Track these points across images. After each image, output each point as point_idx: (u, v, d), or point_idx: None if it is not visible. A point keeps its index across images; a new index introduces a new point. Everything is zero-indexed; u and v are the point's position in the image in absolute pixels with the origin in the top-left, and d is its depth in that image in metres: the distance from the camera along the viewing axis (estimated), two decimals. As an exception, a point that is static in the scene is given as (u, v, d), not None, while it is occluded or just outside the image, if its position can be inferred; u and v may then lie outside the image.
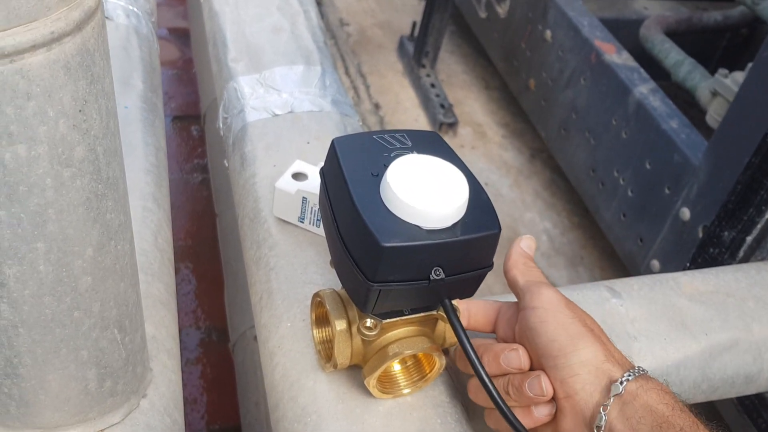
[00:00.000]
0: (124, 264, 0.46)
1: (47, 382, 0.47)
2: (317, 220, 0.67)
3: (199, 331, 1.36)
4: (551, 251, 1.44)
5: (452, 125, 1.67)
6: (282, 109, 0.80)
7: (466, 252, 0.48)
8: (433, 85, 1.73)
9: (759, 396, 0.79)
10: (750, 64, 1.05)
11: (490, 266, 0.50)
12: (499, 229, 0.49)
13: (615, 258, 1.39)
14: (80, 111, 0.36)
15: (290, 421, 0.57)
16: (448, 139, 1.68)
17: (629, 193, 1.21)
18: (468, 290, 0.51)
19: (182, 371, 1.33)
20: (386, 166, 0.49)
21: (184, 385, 1.26)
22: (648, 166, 1.16)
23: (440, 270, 0.47)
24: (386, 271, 0.46)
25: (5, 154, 0.34)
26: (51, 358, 0.45)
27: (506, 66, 1.64)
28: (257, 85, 0.84)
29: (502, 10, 1.43)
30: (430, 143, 0.53)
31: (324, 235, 0.68)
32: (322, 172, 0.54)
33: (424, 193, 0.47)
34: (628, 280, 0.72)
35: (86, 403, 0.50)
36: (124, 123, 0.77)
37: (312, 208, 0.67)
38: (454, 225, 0.47)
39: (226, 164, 0.84)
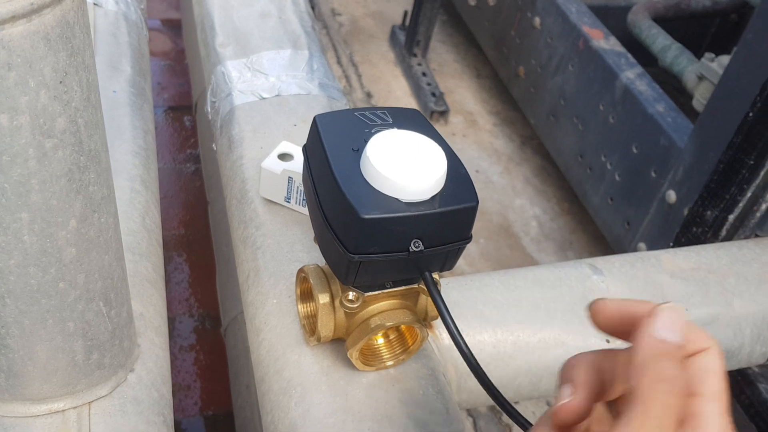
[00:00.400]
0: (108, 237, 0.47)
1: (35, 352, 0.48)
2: (303, 199, 0.68)
3: (192, 318, 1.37)
4: (541, 236, 1.45)
5: (443, 113, 1.67)
6: (269, 93, 0.81)
7: (445, 224, 0.49)
8: (424, 74, 1.74)
9: (741, 372, 0.80)
10: (736, 48, 1.06)
11: (469, 239, 0.51)
12: (477, 201, 0.50)
13: (604, 243, 1.41)
14: (61, 82, 0.37)
15: (276, 393, 0.58)
16: (439, 127, 1.69)
17: (616, 178, 1.22)
18: (448, 263, 0.52)
19: (176, 358, 1.34)
20: (366, 141, 0.50)
21: (178, 372, 1.28)
22: (635, 150, 1.17)
23: (419, 242, 0.48)
24: (366, 243, 0.47)
25: (-12, 124, 0.35)
26: (38, 328, 0.46)
27: (496, 54, 1.64)
28: (245, 69, 0.84)
29: (491, -2, 1.44)
30: (411, 120, 0.54)
31: (305, 214, 0.69)
32: (305, 149, 0.55)
33: (402, 167, 0.47)
34: (610, 258, 0.73)
35: (74, 374, 0.51)
36: (113, 107, 0.78)
37: (297, 187, 0.68)
38: (433, 198, 0.48)
39: (214, 147, 0.85)
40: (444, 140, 0.53)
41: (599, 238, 1.43)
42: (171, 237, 1.47)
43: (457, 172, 0.50)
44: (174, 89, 1.90)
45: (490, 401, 0.69)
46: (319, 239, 0.53)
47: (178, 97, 1.86)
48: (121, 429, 0.54)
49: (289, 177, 0.67)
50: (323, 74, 0.87)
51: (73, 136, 0.39)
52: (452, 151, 0.52)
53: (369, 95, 1.75)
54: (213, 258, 1.33)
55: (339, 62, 1.80)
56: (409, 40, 1.78)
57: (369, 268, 0.49)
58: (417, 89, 1.73)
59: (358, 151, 0.50)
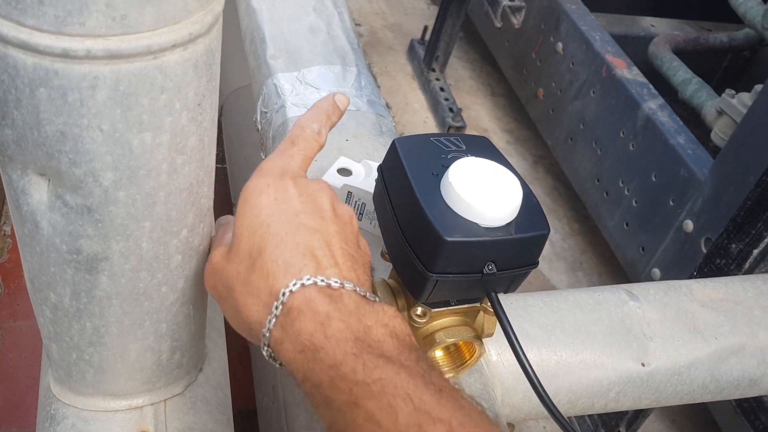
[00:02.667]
0: (206, 245, 0.50)
1: (128, 351, 0.50)
2: (359, 213, 0.71)
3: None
4: (552, 255, 1.49)
5: (460, 129, 1.71)
6: (321, 107, 0.84)
7: (518, 250, 0.52)
8: (442, 89, 1.78)
9: (757, 399, 0.84)
10: (758, 86, 1.11)
11: (536, 264, 0.54)
12: (548, 230, 0.53)
13: (614, 264, 1.45)
14: (199, 105, 0.40)
15: (336, 400, 0.61)
16: (455, 142, 1.72)
17: (633, 204, 1.26)
18: (513, 285, 0.55)
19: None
20: (444, 167, 0.53)
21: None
22: (653, 179, 1.21)
23: (493, 265, 0.52)
24: (445, 264, 0.51)
25: (134, 140, 0.38)
26: (135, 329, 0.49)
27: (515, 74, 1.68)
28: (296, 82, 0.87)
29: (516, 21, 1.48)
30: (482, 147, 0.58)
31: (364, 228, 0.72)
32: (380, 169, 0.58)
33: (483, 193, 0.51)
34: (645, 285, 0.77)
35: (157, 373, 0.54)
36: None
37: (356, 202, 0.71)
38: (509, 224, 0.51)
39: (263, 156, 0.87)
40: (514, 168, 0.56)
41: (609, 259, 1.47)
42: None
43: (529, 200, 0.54)
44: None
45: (529, 417, 0.73)
46: (395, 256, 0.56)
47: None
48: (193, 426, 0.56)
49: (348, 192, 0.70)
50: (371, 91, 0.90)
51: (198, 153, 0.42)
52: (524, 181, 0.55)
53: (387, 107, 1.78)
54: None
55: (358, 72, 1.82)
56: (428, 55, 1.82)
57: (443, 287, 0.53)
58: (435, 104, 1.77)
59: (437, 175, 0.53)
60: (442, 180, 0.52)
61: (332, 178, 0.71)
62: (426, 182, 0.53)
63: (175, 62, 0.37)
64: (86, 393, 0.54)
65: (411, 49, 1.94)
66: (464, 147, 0.57)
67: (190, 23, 0.36)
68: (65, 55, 0.34)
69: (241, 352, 1.22)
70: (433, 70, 1.82)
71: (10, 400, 1.24)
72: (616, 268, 1.43)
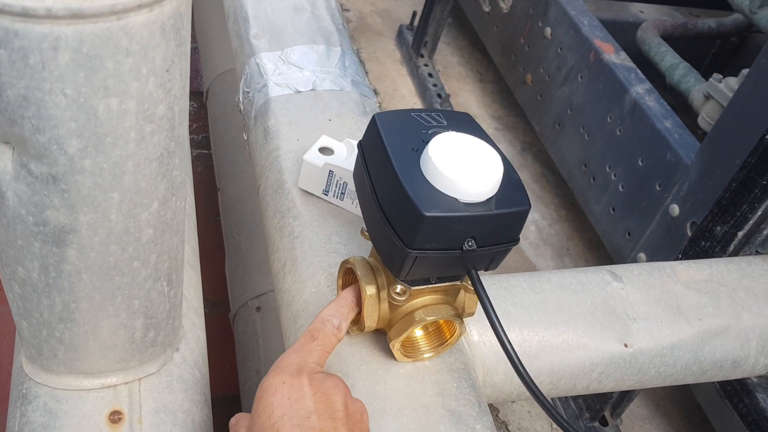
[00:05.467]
0: (180, 220, 0.49)
1: (99, 328, 0.49)
2: (341, 193, 0.70)
3: (193, 302, 1.38)
4: (539, 241, 1.49)
5: (448, 115, 1.70)
6: (304, 86, 0.83)
7: (498, 226, 0.51)
8: (430, 75, 1.77)
9: (741, 381, 0.84)
10: (745, 71, 1.10)
11: (516, 241, 0.54)
12: (530, 206, 0.52)
13: (600, 250, 1.45)
14: (167, 71, 0.39)
15: (315, 379, 0.60)
16: (443, 128, 1.71)
17: (620, 189, 1.25)
18: (494, 263, 0.55)
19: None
20: (425, 142, 0.52)
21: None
22: (640, 163, 1.21)
23: (473, 241, 0.51)
24: (424, 239, 0.50)
25: (99, 106, 0.37)
26: (107, 304, 0.48)
27: (504, 60, 1.67)
28: (279, 61, 0.86)
29: (504, 5, 1.47)
30: (464, 123, 0.57)
31: (346, 207, 0.71)
32: (360, 145, 0.57)
33: (463, 168, 0.50)
34: (628, 266, 0.76)
35: (130, 351, 0.53)
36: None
37: (337, 181, 0.70)
38: (489, 200, 0.51)
39: (245, 137, 0.86)
40: (495, 144, 0.55)
41: (596, 245, 1.47)
42: (175, 221, 1.48)
43: (510, 176, 0.53)
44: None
45: (511, 398, 0.72)
46: (374, 233, 0.55)
47: (183, 82, 1.85)
48: (169, 406, 0.56)
49: (330, 170, 0.69)
50: (355, 71, 0.89)
51: (168, 122, 0.41)
52: (504, 156, 0.54)
53: (375, 92, 1.77)
54: (217, 244, 1.34)
55: (346, 58, 1.81)
56: (416, 40, 1.80)
57: (422, 264, 0.52)
58: (423, 89, 1.76)
59: (417, 150, 0.52)
60: (422, 155, 0.51)
61: (313, 156, 0.70)
62: (406, 157, 0.52)
63: (140, 24, 0.35)
64: (58, 371, 0.53)
65: (400, 35, 1.92)
66: (445, 122, 0.56)
67: (156, -17, 0.35)
68: (25, 14, 0.33)
69: (225, 336, 1.21)
70: (422, 56, 1.81)
71: (-9, 385, 1.22)
72: (602, 253, 1.42)
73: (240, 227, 1.17)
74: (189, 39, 0.41)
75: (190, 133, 1.79)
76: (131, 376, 0.54)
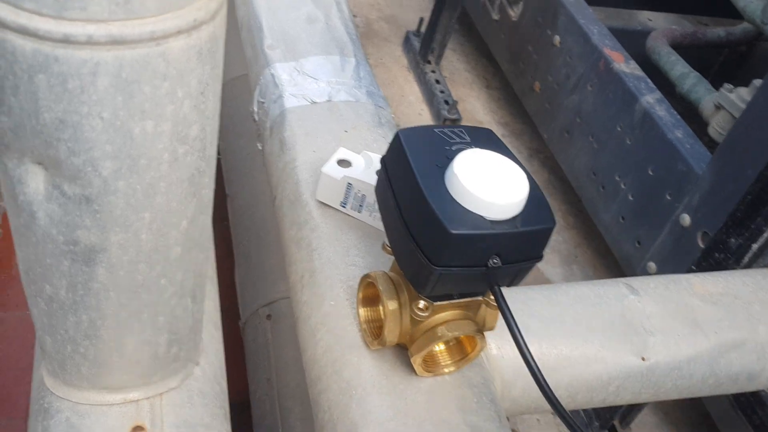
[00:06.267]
0: (206, 237, 0.49)
1: (124, 344, 0.49)
2: (359, 205, 0.70)
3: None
4: (547, 249, 1.49)
5: (455, 121, 1.70)
6: (320, 97, 0.83)
7: (523, 243, 0.51)
8: (438, 81, 1.77)
9: (754, 393, 0.84)
10: (756, 81, 1.10)
11: (540, 257, 0.54)
12: (554, 223, 0.52)
13: (608, 258, 1.45)
14: (202, 93, 0.39)
15: (335, 392, 0.60)
16: (450, 134, 1.71)
17: (629, 198, 1.25)
18: (517, 279, 0.55)
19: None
20: (449, 159, 0.52)
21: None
22: (650, 173, 1.21)
23: (498, 258, 0.51)
24: (450, 257, 0.50)
25: (135, 129, 0.37)
26: (133, 321, 0.48)
27: (511, 67, 1.68)
28: (294, 72, 0.86)
29: (513, 13, 1.47)
30: (487, 139, 0.57)
31: (364, 220, 0.71)
32: (384, 161, 0.57)
33: (489, 186, 0.50)
34: (645, 279, 0.77)
35: (153, 366, 0.53)
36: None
37: (355, 194, 0.70)
38: (515, 217, 0.51)
39: (260, 146, 0.86)
40: (519, 161, 0.55)
41: (604, 253, 1.47)
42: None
43: (534, 193, 0.53)
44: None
45: (528, 411, 0.72)
46: (398, 249, 0.55)
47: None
48: (190, 420, 0.56)
49: (348, 183, 0.69)
50: (369, 82, 0.89)
51: (200, 143, 0.41)
52: (529, 173, 0.54)
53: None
54: (226, 252, 1.34)
55: (353, 64, 1.81)
56: (424, 47, 1.80)
57: (446, 280, 0.52)
58: (430, 96, 1.76)
59: (442, 167, 0.52)
60: (447, 172, 0.52)
61: (332, 169, 0.70)
62: (430, 174, 0.52)
63: (178, 49, 0.36)
64: (81, 386, 0.53)
65: (406, 41, 1.92)
66: (469, 139, 0.56)
67: (195, 9, 0.35)
68: (66, 41, 0.33)
69: (235, 343, 1.21)
70: (429, 62, 1.81)
71: None
72: (611, 261, 1.43)
73: (250, 235, 1.17)
74: (222, 61, 0.41)
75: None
76: (153, 391, 0.54)
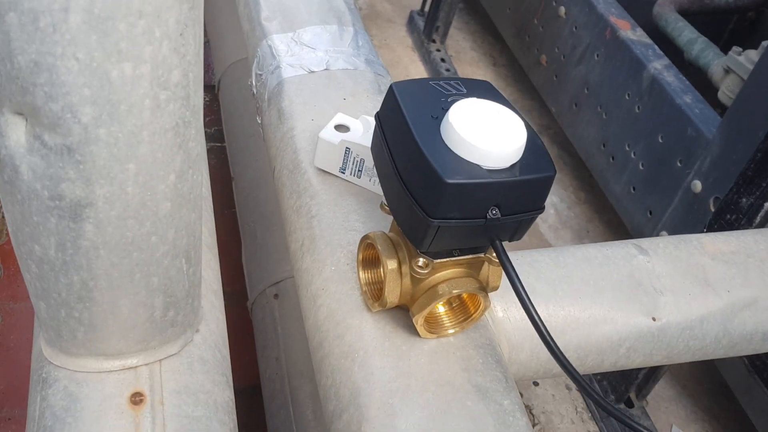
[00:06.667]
0: (197, 194, 0.48)
1: (118, 307, 0.48)
2: (358, 171, 0.69)
3: (210, 294, 1.38)
4: (558, 224, 1.47)
5: (461, 99, 1.69)
6: (318, 66, 0.82)
7: (523, 193, 0.50)
8: (443, 60, 1.75)
9: (771, 355, 0.82)
10: (765, 42, 1.08)
11: (542, 209, 0.52)
12: (555, 171, 0.51)
13: (620, 231, 1.43)
14: (181, 35, 0.38)
15: (337, 357, 0.59)
16: (457, 113, 1.69)
17: (640, 167, 1.23)
18: (518, 233, 0.53)
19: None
20: (445, 110, 0.51)
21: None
22: (660, 140, 1.18)
23: (497, 209, 0.49)
24: (446, 208, 0.48)
25: (112, 71, 0.36)
26: (125, 282, 0.47)
27: (517, 42, 1.65)
28: (292, 42, 0.85)
29: (516, -15, 1.45)
30: (484, 90, 0.55)
31: (364, 185, 0.70)
32: (378, 116, 0.56)
33: (485, 134, 0.49)
34: (654, 240, 0.75)
35: (150, 331, 0.52)
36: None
37: (354, 158, 0.68)
38: (513, 166, 0.49)
39: (259, 120, 0.85)
40: (518, 110, 0.54)
41: (616, 227, 1.45)
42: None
43: (533, 142, 0.51)
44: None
45: (537, 375, 0.71)
46: (394, 205, 0.54)
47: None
48: (190, 387, 0.55)
49: (347, 148, 0.68)
50: (368, 51, 0.88)
51: (183, 90, 0.40)
52: (528, 123, 0.53)
53: (387, 79, 1.76)
54: (233, 236, 1.33)
55: (357, 45, 1.80)
56: (428, 26, 1.79)
57: (445, 234, 0.50)
58: (435, 75, 1.74)
59: (437, 118, 0.51)
60: (443, 122, 0.50)
61: (330, 133, 0.69)
62: (425, 125, 0.50)
63: (152, -17, 0.34)
64: (78, 353, 0.52)
65: (410, 21, 1.91)
66: (465, 90, 0.55)
67: (168, -60, 0.34)
68: (34, -26, 0.32)
69: (244, 327, 1.20)
70: (434, 42, 1.79)
71: (12, 382, 1.23)
72: (623, 234, 1.40)
73: (255, 215, 1.16)
74: (202, 4, 0.40)
75: (204, 126, 1.79)
76: (152, 357, 0.54)
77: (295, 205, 0.71)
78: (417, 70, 1.80)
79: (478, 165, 0.48)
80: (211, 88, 1.70)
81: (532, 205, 0.51)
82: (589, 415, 1.16)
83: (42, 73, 0.35)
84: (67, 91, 0.36)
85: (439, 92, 0.54)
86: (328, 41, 0.86)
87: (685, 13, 1.40)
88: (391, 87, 0.54)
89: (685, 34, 1.30)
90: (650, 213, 1.20)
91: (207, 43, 1.85)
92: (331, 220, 0.67)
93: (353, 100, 0.79)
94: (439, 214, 0.49)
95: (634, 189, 1.24)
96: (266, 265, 1.10)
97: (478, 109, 0.50)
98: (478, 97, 0.53)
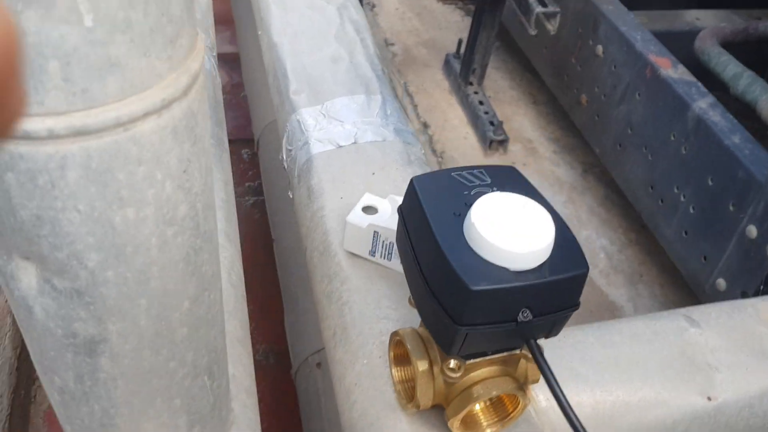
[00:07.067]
0: (215, 312, 0.47)
1: (141, 430, 0.47)
2: (388, 253, 0.67)
3: (256, 354, 1.37)
4: (609, 269, 1.42)
5: (503, 142, 1.66)
6: (346, 140, 0.81)
7: (554, 293, 0.47)
8: (481, 102, 1.73)
9: None
10: (817, 77, 1.02)
11: (577, 305, 0.49)
12: (587, 268, 0.48)
13: (676, 274, 1.37)
14: (184, 171, 0.37)
15: (372, 460, 0.57)
16: (498, 156, 1.67)
17: (690, 210, 1.18)
18: (554, 330, 0.50)
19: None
20: (467, 205, 0.49)
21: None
22: (710, 183, 1.13)
23: (528, 311, 0.47)
24: (474, 314, 0.46)
25: (115, 218, 0.35)
26: (146, 407, 0.46)
27: (556, 81, 1.62)
28: (320, 116, 0.84)
29: (551, 27, 1.42)
30: (509, 179, 0.53)
31: (395, 268, 0.68)
32: (401, 211, 0.54)
33: (510, 234, 0.46)
34: (705, 308, 0.70)
35: (176, 447, 0.51)
36: (193, 160, 0.79)
37: (383, 242, 0.67)
38: (541, 265, 0.47)
39: (291, 195, 0.85)
40: (545, 199, 0.51)
41: (670, 269, 1.39)
42: (234, 273, 1.47)
43: (563, 235, 0.49)
44: (230, 122, 1.93)
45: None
46: (420, 306, 0.52)
47: (236, 131, 1.88)
48: (222, 497, 0.53)
49: (375, 231, 0.67)
50: (397, 119, 0.86)
51: (192, 221, 0.39)
52: (555, 212, 0.50)
53: (425, 125, 1.74)
54: (274, 294, 1.33)
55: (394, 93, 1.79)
56: (464, 68, 1.77)
57: (475, 339, 0.48)
58: (474, 118, 1.72)
59: (460, 215, 0.49)
60: (465, 222, 0.48)
61: (358, 217, 0.67)
62: (448, 225, 0.48)
63: (150, 131, 0.34)
64: (105, 472, 0.51)
65: (446, 64, 1.89)
66: (489, 180, 0.53)
67: (162, 88, 0.33)
68: (28, 137, 0.31)
69: (289, 389, 1.19)
70: (471, 84, 1.77)
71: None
72: (678, 278, 1.34)
73: (296, 279, 1.15)
74: (207, 133, 0.39)
75: (246, 180, 1.81)
76: (180, 471, 0.52)
77: (327, 290, 0.69)
78: (455, 114, 1.78)
79: (504, 268, 0.46)
80: (251, 143, 1.72)
81: (566, 303, 0.48)
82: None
83: (44, 226, 0.34)
84: (71, 240, 0.35)
85: (461, 185, 0.52)
86: (356, 112, 0.85)
87: (729, 45, 1.35)
88: (411, 182, 0.52)
89: (730, 68, 1.25)
90: (705, 259, 1.15)
91: (245, 98, 1.88)
92: (363, 308, 0.65)
93: (382, 174, 0.77)
94: (466, 321, 0.46)
95: (686, 233, 1.19)
96: (308, 332, 1.08)
97: (502, 205, 0.48)
98: (503, 187, 0.51)
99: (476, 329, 0.47)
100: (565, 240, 0.49)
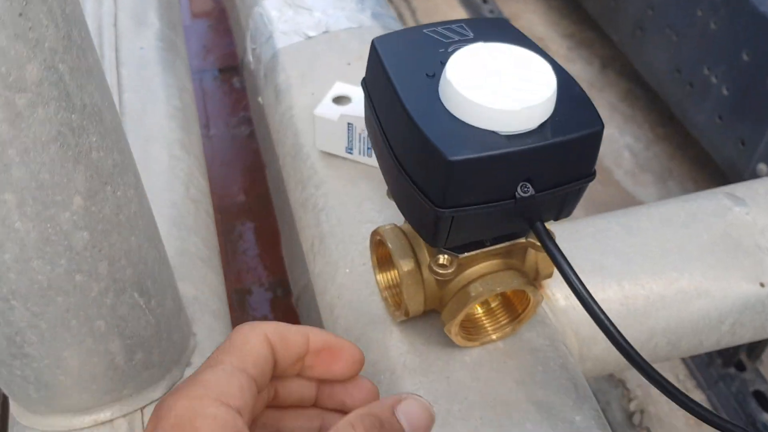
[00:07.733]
0: (131, 214, 0.37)
1: (63, 359, 0.39)
2: (368, 148, 0.57)
3: (262, 288, 1.30)
4: (636, 168, 1.30)
5: (511, 43, 1.52)
6: (315, 30, 0.70)
7: (561, 159, 0.37)
8: (485, 1, 1.58)
9: None
10: None
11: (592, 175, 0.39)
12: (602, 125, 0.37)
13: (709, 167, 1.25)
14: (20, 15, 0.27)
15: (360, 383, 0.48)
16: (507, 58, 1.53)
17: (724, 92, 1.05)
18: (566, 208, 0.40)
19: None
20: (443, 63, 0.38)
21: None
22: (745, 58, 1.00)
23: (528, 185, 0.37)
24: (457, 193, 0.36)
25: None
26: (60, 332, 0.37)
27: (566, -32, 1.47)
28: (285, 6, 0.73)
29: None
30: (498, 31, 0.42)
31: (377, 165, 0.58)
32: (364, 83, 0.43)
33: (498, 89, 0.36)
34: (751, 184, 0.60)
35: (116, 379, 0.42)
36: (141, 66, 0.68)
37: (360, 134, 0.57)
38: (542, 126, 0.36)
39: (260, 101, 0.74)
40: (545, 53, 0.40)
41: (703, 162, 1.27)
42: (232, 205, 1.39)
43: (569, 90, 0.38)
44: (220, 50, 1.81)
45: (618, 368, 0.58)
46: (395, 193, 0.42)
47: (226, 59, 1.76)
48: None
49: (348, 123, 0.56)
50: (375, 2, 0.75)
51: (54, 88, 0.29)
52: (559, 65, 0.39)
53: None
54: (277, 223, 1.24)
55: None
56: (465, -34, 1.62)
57: (464, 225, 0.38)
58: (477, 18, 1.58)
59: (435, 75, 0.38)
60: (440, 80, 0.37)
61: (327, 109, 0.57)
62: (418, 87, 0.38)
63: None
64: (40, 411, 0.44)
65: (446, -35, 1.74)
66: (472, 34, 0.42)
67: None
68: None
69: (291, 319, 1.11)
70: (474, -18, 1.63)
71: None
72: (713, 170, 1.22)
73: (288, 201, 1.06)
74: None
75: (240, 110, 1.70)
76: (129, 406, 0.44)
77: (301, 197, 0.60)
78: (458, 16, 1.64)
79: (493, 132, 0.35)
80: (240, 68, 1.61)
81: (577, 173, 0.38)
82: (694, 383, 1.01)
83: None
84: None
85: (436, 42, 0.41)
86: (328, -2, 0.74)
87: None
88: (372, 43, 0.41)
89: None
90: (743, 143, 1.02)
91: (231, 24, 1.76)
92: (341, 213, 0.55)
93: (359, 64, 0.66)
94: (449, 203, 0.36)
95: (720, 118, 1.07)
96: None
97: (485, 56, 0.37)
98: (488, 39, 0.40)
99: (463, 212, 0.37)
100: (571, 95, 0.38)
